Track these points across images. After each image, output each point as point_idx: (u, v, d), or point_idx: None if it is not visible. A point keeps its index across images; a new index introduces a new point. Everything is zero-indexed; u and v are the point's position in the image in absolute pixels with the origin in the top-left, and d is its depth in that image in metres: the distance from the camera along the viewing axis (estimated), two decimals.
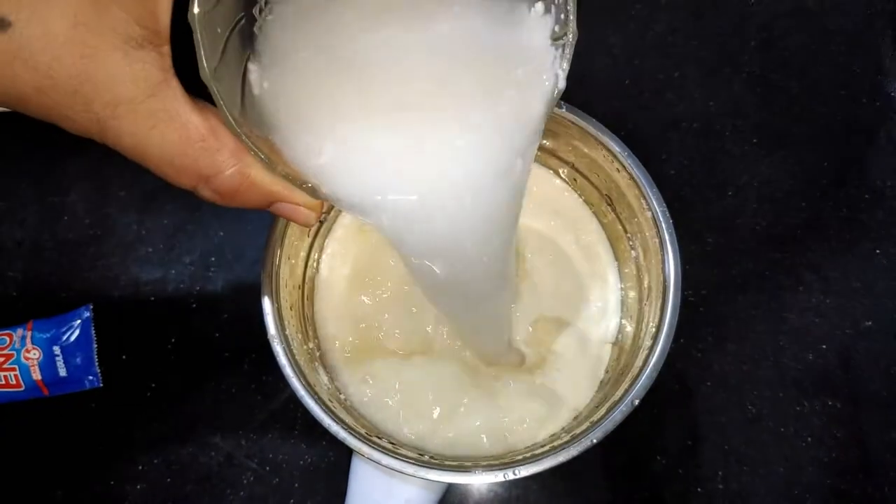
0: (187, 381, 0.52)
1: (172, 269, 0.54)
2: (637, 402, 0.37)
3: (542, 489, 0.50)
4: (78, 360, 0.51)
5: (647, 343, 0.39)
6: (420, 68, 0.28)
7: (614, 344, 0.46)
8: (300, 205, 0.29)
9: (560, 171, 0.47)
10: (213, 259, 0.54)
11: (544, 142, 0.46)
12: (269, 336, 0.39)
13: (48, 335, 0.51)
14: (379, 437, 0.39)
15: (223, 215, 0.55)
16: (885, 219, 0.54)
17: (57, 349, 0.50)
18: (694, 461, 0.51)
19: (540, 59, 0.29)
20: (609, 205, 0.45)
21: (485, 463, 0.38)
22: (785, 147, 0.55)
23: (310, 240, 0.45)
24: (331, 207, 0.46)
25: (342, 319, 0.46)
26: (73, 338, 0.51)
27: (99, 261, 0.54)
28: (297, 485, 0.51)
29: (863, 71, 0.56)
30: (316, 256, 0.47)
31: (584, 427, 0.38)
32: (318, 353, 0.44)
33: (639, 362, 0.39)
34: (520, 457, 0.38)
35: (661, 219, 0.40)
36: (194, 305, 0.53)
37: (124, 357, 0.52)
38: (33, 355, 0.50)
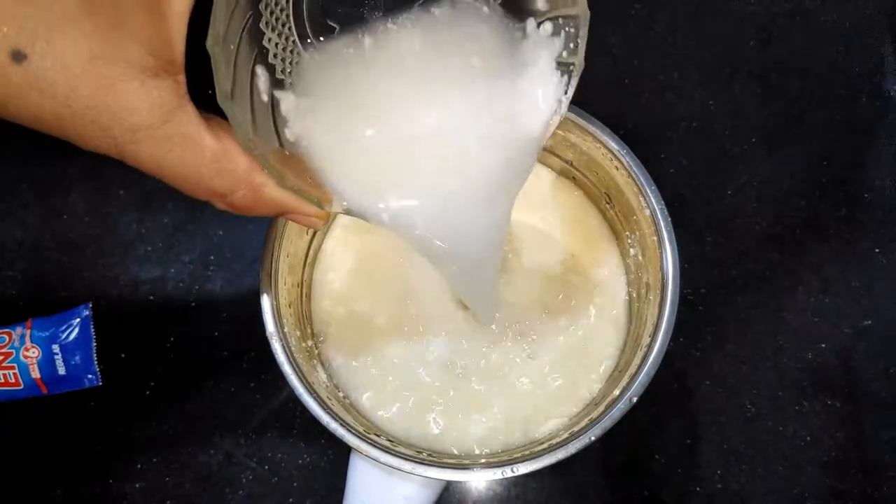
0: (186, 379, 0.52)
1: (172, 269, 0.54)
2: (635, 399, 0.37)
3: (541, 488, 0.50)
4: (77, 358, 0.51)
5: (646, 341, 0.39)
6: (422, 85, 0.29)
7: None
8: (310, 214, 0.30)
9: (559, 168, 0.47)
10: (212, 258, 0.54)
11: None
12: (267, 334, 0.39)
13: (47, 334, 0.51)
14: (377, 435, 0.39)
15: (223, 215, 0.54)
16: (885, 219, 0.54)
17: (56, 348, 0.50)
18: (693, 461, 0.51)
19: (542, 80, 0.29)
20: (608, 203, 0.45)
21: (483, 460, 0.38)
22: (784, 147, 0.55)
23: (308, 238, 0.45)
24: None
25: (341, 318, 0.46)
26: (72, 336, 0.51)
27: (98, 260, 0.54)
28: (295, 483, 0.51)
29: (862, 71, 0.56)
30: (314, 255, 0.47)
31: (582, 425, 0.38)
32: (316, 351, 0.44)
33: (637, 360, 0.39)
34: (518, 454, 0.38)
35: (660, 216, 0.40)
36: (193, 304, 0.53)
37: (123, 356, 0.52)
38: (32, 354, 0.50)
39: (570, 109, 0.41)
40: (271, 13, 0.26)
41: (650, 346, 0.39)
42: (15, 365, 0.50)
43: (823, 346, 0.52)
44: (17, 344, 0.50)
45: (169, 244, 0.54)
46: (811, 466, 0.50)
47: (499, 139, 0.30)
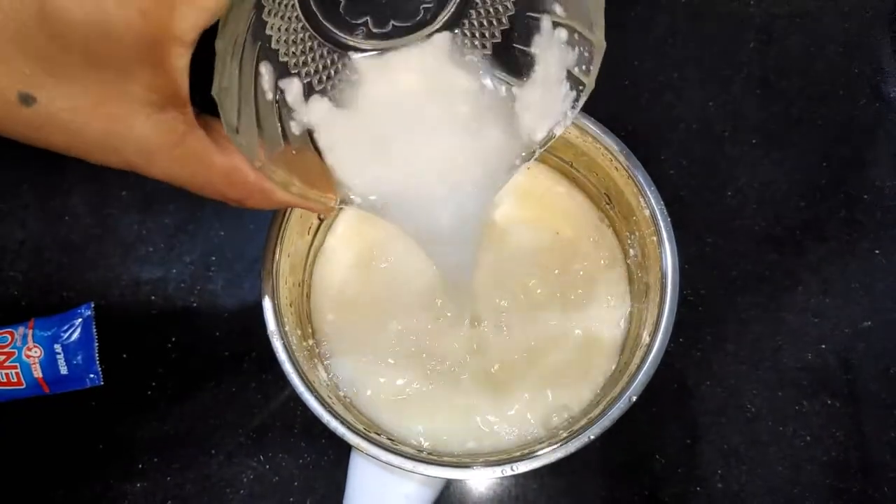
0: (187, 379, 0.52)
1: (173, 269, 0.54)
2: (635, 398, 0.38)
3: (541, 488, 0.50)
4: (79, 358, 0.51)
5: (646, 340, 0.39)
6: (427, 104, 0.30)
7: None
8: (317, 209, 0.32)
9: (558, 168, 0.48)
10: (213, 258, 0.54)
11: None
12: (268, 332, 0.39)
13: (49, 333, 0.51)
14: (378, 434, 0.40)
15: (224, 215, 0.55)
16: (884, 220, 0.54)
17: (58, 347, 0.51)
18: (693, 461, 0.51)
19: (549, 85, 0.30)
20: (608, 203, 0.46)
21: (483, 459, 0.38)
22: (784, 148, 0.55)
23: (310, 238, 0.45)
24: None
25: (342, 317, 0.46)
26: (74, 336, 0.51)
27: (100, 260, 0.55)
28: (296, 483, 0.51)
29: (862, 72, 0.57)
30: (315, 254, 0.47)
31: (581, 424, 0.38)
32: (317, 350, 0.45)
33: (637, 359, 0.39)
34: (517, 453, 0.38)
35: (659, 216, 0.40)
36: (195, 304, 0.53)
37: (125, 356, 0.53)
38: (34, 353, 0.50)
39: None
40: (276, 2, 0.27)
41: (650, 346, 0.39)
42: (17, 364, 0.50)
43: (823, 346, 0.52)
44: (19, 343, 0.50)
45: (170, 245, 0.55)
46: (811, 466, 0.50)
47: (497, 143, 0.30)
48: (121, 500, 0.51)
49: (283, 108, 0.28)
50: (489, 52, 0.28)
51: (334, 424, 0.37)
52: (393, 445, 0.38)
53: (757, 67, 0.57)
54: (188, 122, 0.26)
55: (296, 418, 0.51)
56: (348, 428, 0.37)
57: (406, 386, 0.44)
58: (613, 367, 0.44)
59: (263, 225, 0.41)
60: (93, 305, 0.52)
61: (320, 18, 0.26)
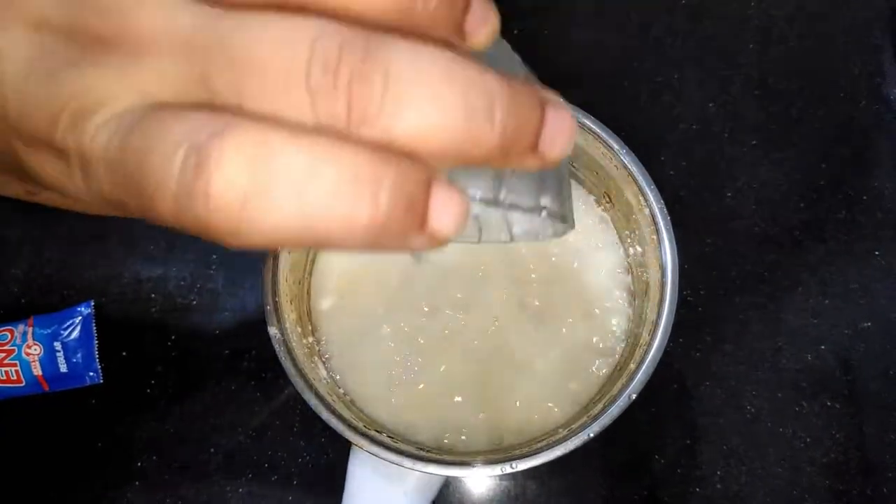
0: (187, 378, 0.52)
1: (173, 267, 0.54)
2: (634, 396, 0.38)
3: (541, 488, 0.50)
4: (79, 356, 0.51)
5: (645, 339, 0.40)
6: None
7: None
8: None
9: None
10: (214, 257, 0.54)
11: None
12: (268, 330, 0.39)
13: (49, 331, 0.51)
14: (378, 431, 0.40)
15: None
16: (884, 220, 0.54)
17: (58, 345, 0.51)
18: (692, 461, 0.51)
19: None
20: (607, 202, 0.46)
21: (482, 457, 0.38)
22: (783, 149, 0.56)
23: None
24: None
25: (342, 315, 0.46)
26: (74, 334, 0.51)
27: (100, 258, 0.55)
28: (295, 482, 0.51)
29: (862, 73, 0.57)
30: (316, 252, 0.47)
31: (581, 422, 0.38)
32: (317, 348, 0.45)
33: (636, 358, 0.39)
34: (517, 451, 0.38)
35: (659, 215, 0.40)
36: (195, 303, 0.54)
37: (125, 354, 0.53)
38: (34, 351, 0.50)
39: (570, 109, 0.42)
40: None
41: (649, 344, 0.39)
42: (17, 362, 0.50)
43: (823, 347, 0.52)
44: (19, 341, 0.50)
45: (171, 243, 0.55)
46: (811, 467, 0.50)
47: None
48: (120, 498, 0.51)
49: None
50: None
51: (334, 422, 0.38)
52: (392, 443, 0.38)
53: (756, 68, 0.57)
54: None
55: (295, 417, 0.51)
56: (348, 426, 0.38)
57: (406, 384, 0.44)
58: (613, 366, 0.44)
59: None
60: (93, 303, 0.52)
61: None
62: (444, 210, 0.18)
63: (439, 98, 0.17)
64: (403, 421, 0.43)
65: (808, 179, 0.55)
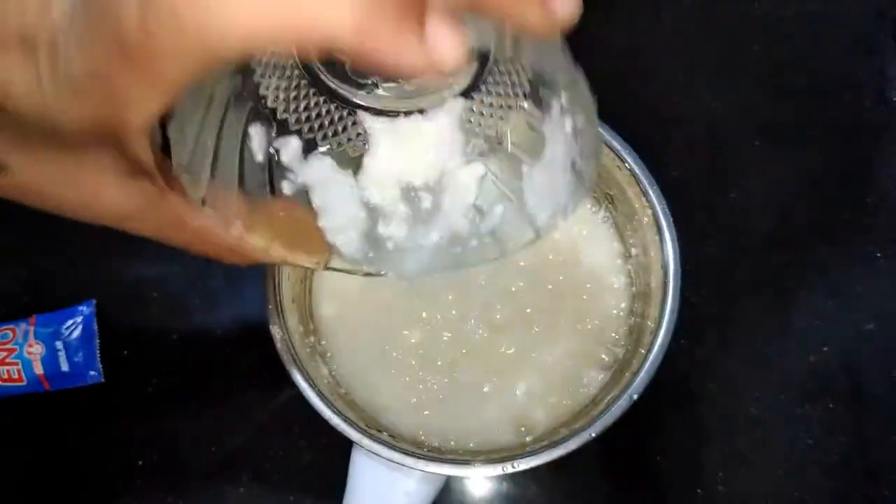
0: (188, 377, 0.52)
1: (175, 266, 0.54)
2: (636, 397, 0.38)
3: (542, 488, 0.50)
4: (80, 355, 0.51)
5: (648, 339, 0.39)
6: None
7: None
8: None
9: None
10: None
11: None
12: (270, 329, 0.39)
13: (51, 330, 0.51)
14: (379, 431, 0.40)
15: None
16: (889, 222, 0.54)
17: (59, 344, 0.51)
18: (695, 462, 0.50)
19: (555, 173, 0.29)
20: (610, 202, 0.46)
21: (483, 456, 0.38)
22: (789, 149, 0.55)
23: None
24: None
25: (343, 315, 0.46)
26: (75, 333, 0.51)
27: (102, 257, 0.55)
28: (296, 482, 0.51)
29: (867, 74, 0.57)
30: None
31: (583, 422, 0.38)
32: (319, 348, 0.45)
33: (639, 359, 0.39)
34: (518, 451, 0.38)
35: (661, 216, 0.40)
36: (196, 302, 0.53)
37: (126, 353, 0.53)
38: (36, 350, 0.50)
39: None
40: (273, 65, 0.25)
41: (651, 345, 0.39)
42: (18, 361, 0.50)
43: (827, 348, 0.52)
44: (20, 340, 0.50)
45: None
46: (814, 469, 0.50)
47: (499, 224, 0.29)
48: (120, 497, 0.51)
49: (275, 168, 0.26)
50: (505, 122, 0.26)
51: (336, 421, 0.37)
52: (394, 442, 0.38)
53: (762, 68, 0.57)
54: (160, 188, 0.26)
55: (296, 417, 0.51)
56: (350, 424, 0.38)
57: (408, 384, 0.44)
58: (615, 366, 0.44)
59: None
60: (94, 303, 0.52)
61: (326, 76, 0.25)
62: (441, 31, 0.18)
63: None
64: (405, 421, 0.43)
65: (813, 181, 0.55)
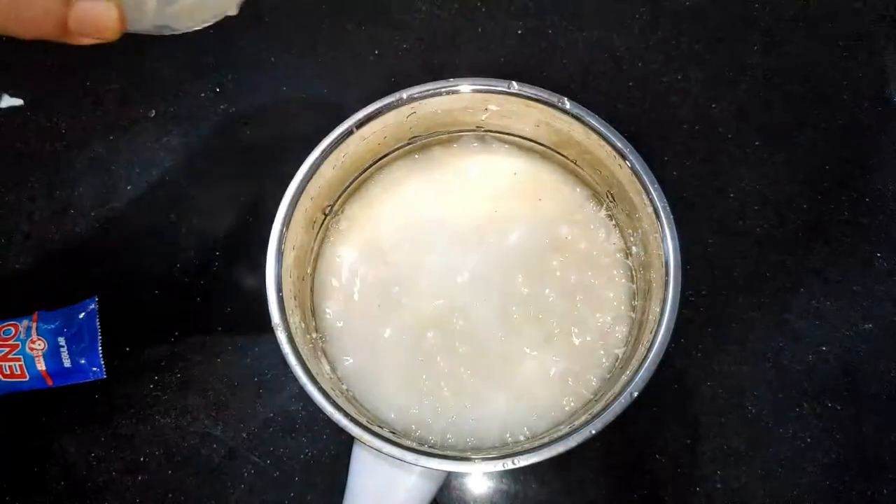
0: (190, 374, 0.53)
1: (177, 263, 0.54)
2: (636, 394, 0.38)
3: (542, 486, 0.50)
4: (82, 351, 0.51)
5: (648, 337, 0.40)
6: None
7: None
8: None
9: (562, 166, 0.48)
10: (217, 253, 0.54)
11: (549, 140, 0.46)
12: (273, 324, 0.39)
13: (53, 326, 0.51)
14: (380, 427, 0.40)
15: (227, 211, 0.55)
16: (886, 222, 0.54)
17: (62, 340, 0.51)
18: (693, 461, 0.51)
19: None
20: (611, 200, 0.46)
21: (484, 453, 0.38)
22: (787, 150, 0.56)
23: (315, 231, 0.45)
24: (335, 202, 0.47)
25: (346, 311, 0.46)
26: (77, 329, 0.51)
27: (105, 254, 0.55)
28: (297, 478, 0.51)
29: (865, 75, 0.57)
30: (320, 248, 0.47)
31: (583, 419, 0.38)
32: (321, 344, 0.45)
33: (639, 356, 0.39)
34: (518, 448, 0.38)
35: (662, 213, 0.40)
36: (198, 299, 0.54)
37: (128, 349, 0.53)
38: (38, 346, 0.51)
39: (573, 107, 0.42)
40: None
41: (652, 342, 0.39)
42: (21, 357, 0.50)
43: (824, 348, 0.52)
44: (23, 336, 0.51)
45: (174, 240, 0.55)
46: (811, 468, 0.51)
47: None
48: (123, 493, 0.51)
49: None
50: None
51: (337, 416, 0.38)
52: (395, 438, 0.38)
53: (761, 69, 0.57)
54: None
55: (298, 414, 0.52)
56: (351, 420, 0.38)
57: (410, 381, 0.44)
58: (615, 364, 0.44)
59: (269, 220, 0.41)
60: (97, 299, 0.52)
61: None
62: None
63: None
64: (406, 417, 0.43)
65: (811, 181, 0.55)
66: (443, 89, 0.43)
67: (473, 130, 0.48)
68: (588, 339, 0.45)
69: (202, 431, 0.52)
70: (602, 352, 0.45)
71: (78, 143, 0.56)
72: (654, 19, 0.58)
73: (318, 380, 0.39)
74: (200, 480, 0.51)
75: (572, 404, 0.44)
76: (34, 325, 0.51)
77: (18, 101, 0.56)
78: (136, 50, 0.58)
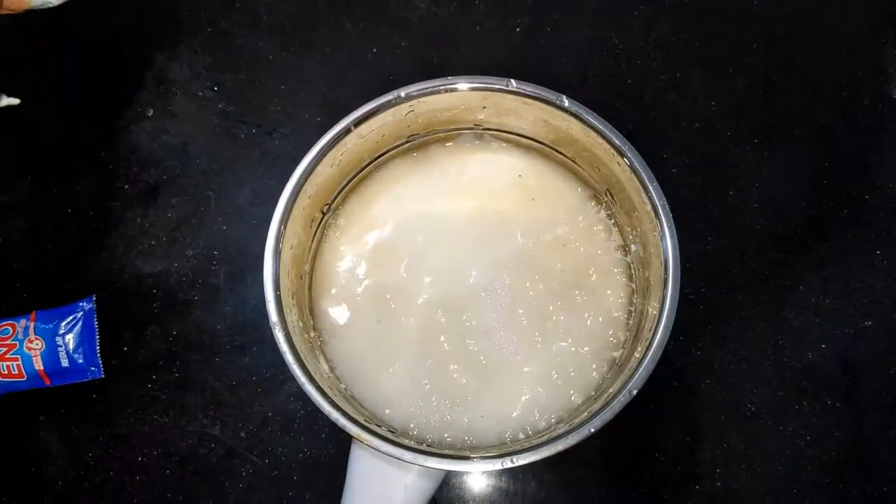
0: (188, 373, 0.52)
1: (175, 262, 0.54)
2: (635, 392, 0.38)
3: (541, 485, 0.50)
4: (80, 351, 0.51)
5: (647, 335, 0.39)
6: None
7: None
8: None
9: (562, 164, 0.48)
10: (215, 252, 0.54)
11: (547, 138, 0.46)
12: (271, 323, 0.39)
13: (51, 326, 0.51)
14: (379, 425, 0.40)
15: (227, 210, 0.55)
16: (886, 220, 0.54)
17: (59, 340, 0.51)
18: (693, 459, 0.51)
19: None
20: (610, 198, 0.46)
21: (483, 451, 0.38)
22: (786, 148, 0.56)
23: (313, 231, 0.45)
24: (334, 200, 0.47)
25: (343, 310, 0.46)
26: (75, 329, 0.51)
27: (102, 253, 0.55)
28: (295, 477, 0.51)
29: (864, 73, 0.57)
30: (317, 247, 0.47)
31: (582, 417, 0.38)
32: (318, 343, 0.45)
33: (638, 354, 0.39)
34: (518, 446, 0.38)
35: (661, 211, 0.40)
36: (196, 298, 0.54)
37: (126, 349, 0.53)
38: (36, 346, 0.50)
39: (573, 106, 0.42)
40: None
41: (651, 340, 0.39)
42: (18, 356, 0.50)
43: (824, 346, 0.52)
44: (20, 336, 0.50)
45: (172, 238, 0.55)
46: (811, 466, 0.50)
47: None
48: (121, 492, 0.51)
49: None
50: None
51: (335, 415, 0.38)
52: (394, 437, 0.38)
53: (760, 67, 0.57)
54: None
55: (296, 413, 0.51)
56: (349, 419, 0.38)
57: (408, 380, 0.44)
58: (614, 362, 0.44)
59: (267, 220, 0.41)
60: (94, 298, 0.52)
61: None
62: None
63: None
64: (405, 416, 0.43)
65: (811, 178, 0.55)
66: (441, 87, 0.43)
67: (472, 128, 0.48)
68: (587, 337, 0.45)
69: (200, 431, 0.52)
70: (601, 350, 0.45)
71: (76, 142, 0.56)
72: (652, 17, 0.58)
73: (316, 378, 0.39)
74: (199, 480, 0.51)
75: (572, 401, 0.43)
76: (32, 324, 0.51)
77: (15, 101, 0.55)
78: (134, 49, 0.58)
